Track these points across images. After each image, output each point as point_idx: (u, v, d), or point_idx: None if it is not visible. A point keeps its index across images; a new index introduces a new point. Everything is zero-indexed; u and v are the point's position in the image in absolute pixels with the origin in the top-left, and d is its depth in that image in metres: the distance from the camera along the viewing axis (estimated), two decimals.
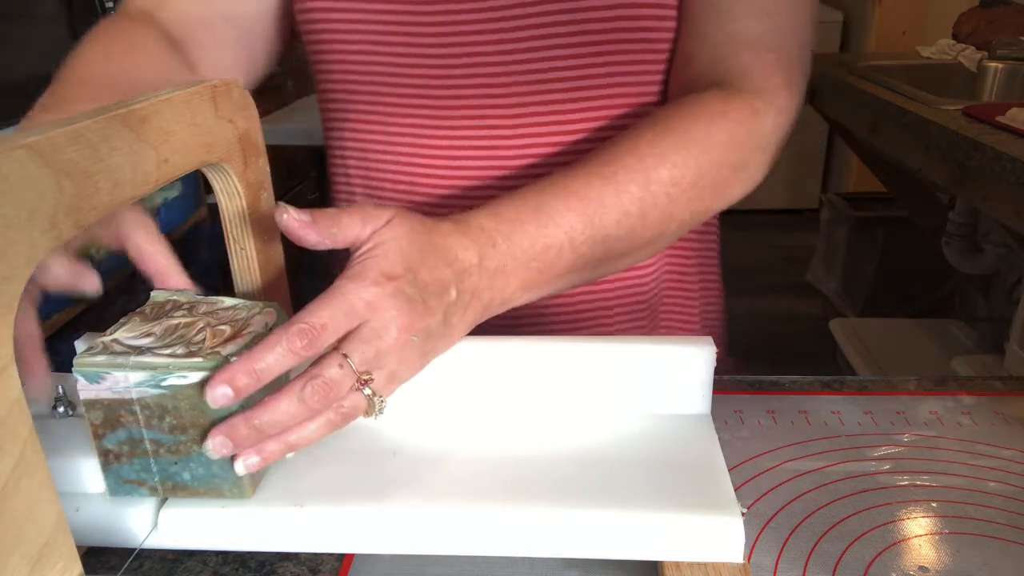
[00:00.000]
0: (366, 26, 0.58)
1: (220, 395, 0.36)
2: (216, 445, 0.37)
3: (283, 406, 0.37)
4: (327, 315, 0.37)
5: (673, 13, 0.56)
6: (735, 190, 0.53)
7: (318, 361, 0.38)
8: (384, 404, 0.40)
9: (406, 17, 0.57)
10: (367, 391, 0.39)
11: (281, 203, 0.40)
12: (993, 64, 1.49)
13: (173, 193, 2.24)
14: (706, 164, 0.50)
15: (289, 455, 0.40)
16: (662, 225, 0.51)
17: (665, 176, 0.49)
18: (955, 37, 1.81)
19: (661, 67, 0.58)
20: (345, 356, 0.38)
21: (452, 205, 0.60)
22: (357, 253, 0.41)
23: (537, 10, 0.55)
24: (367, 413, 0.40)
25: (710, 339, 0.47)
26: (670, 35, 0.57)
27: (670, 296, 0.68)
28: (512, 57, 0.56)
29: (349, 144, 0.65)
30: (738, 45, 0.54)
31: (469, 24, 0.56)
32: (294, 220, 0.39)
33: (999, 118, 1.21)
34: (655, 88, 0.59)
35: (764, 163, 0.54)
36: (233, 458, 0.39)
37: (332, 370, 0.38)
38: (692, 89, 0.55)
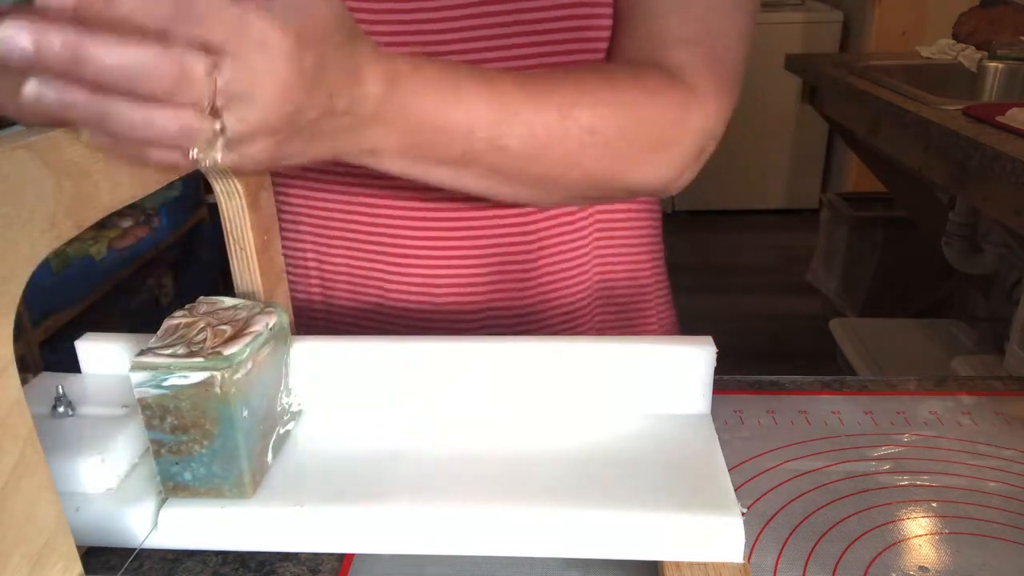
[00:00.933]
0: None
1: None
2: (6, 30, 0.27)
3: (124, 52, 0.28)
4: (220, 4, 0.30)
5: (609, 11, 0.56)
6: (639, 173, 0.51)
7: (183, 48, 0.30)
8: (219, 153, 0.33)
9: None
10: (218, 123, 0.32)
11: None
12: (993, 64, 1.49)
13: (173, 193, 2.25)
14: (628, 131, 0.49)
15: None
16: (560, 167, 0.48)
17: (585, 121, 0.47)
18: (955, 37, 1.81)
19: None
20: (216, 66, 0.30)
21: (395, 213, 0.59)
22: None
23: (479, 11, 0.54)
24: (201, 148, 0.32)
25: (710, 339, 0.47)
26: (607, 33, 0.57)
27: (626, 293, 0.68)
28: (455, 59, 0.55)
29: None
30: (664, 42, 0.52)
31: (411, 23, 0.55)
32: None
33: (999, 118, 1.21)
34: None
35: (677, 160, 0.51)
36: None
37: (196, 63, 0.30)
38: None
